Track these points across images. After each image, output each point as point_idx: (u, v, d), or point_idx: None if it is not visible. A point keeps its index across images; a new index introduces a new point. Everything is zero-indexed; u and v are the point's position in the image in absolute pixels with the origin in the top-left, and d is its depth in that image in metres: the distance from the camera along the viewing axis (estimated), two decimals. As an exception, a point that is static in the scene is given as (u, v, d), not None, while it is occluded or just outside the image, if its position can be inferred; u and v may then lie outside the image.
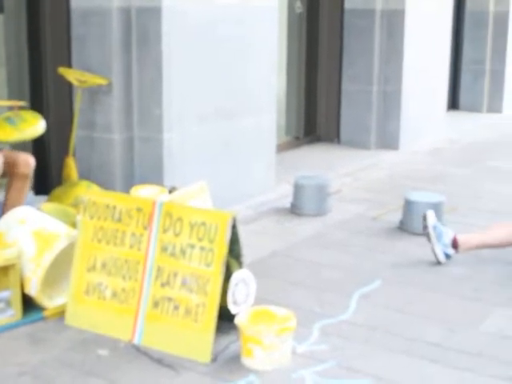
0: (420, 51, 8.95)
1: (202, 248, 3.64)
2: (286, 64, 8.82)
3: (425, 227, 4.99)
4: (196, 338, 3.60)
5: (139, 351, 3.66)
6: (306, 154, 8.48)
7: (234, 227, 3.71)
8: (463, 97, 12.40)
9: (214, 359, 3.57)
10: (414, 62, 8.83)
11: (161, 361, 3.56)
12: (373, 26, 8.53)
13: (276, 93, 6.64)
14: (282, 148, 8.07)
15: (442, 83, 9.92)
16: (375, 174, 7.66)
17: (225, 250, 3.60)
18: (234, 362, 3.56)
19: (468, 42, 12.25)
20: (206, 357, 3.55)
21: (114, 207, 3.92)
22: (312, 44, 8.92)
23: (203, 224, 3.67)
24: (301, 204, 6.12)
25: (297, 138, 9.00)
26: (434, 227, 4.95)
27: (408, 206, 5.73)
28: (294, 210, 6.15)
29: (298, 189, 6.16)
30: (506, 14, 11.93)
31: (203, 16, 5.57)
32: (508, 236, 4.97)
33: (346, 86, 8.85)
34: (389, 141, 8.78)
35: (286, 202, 6.26)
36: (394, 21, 8.55)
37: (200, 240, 3.65)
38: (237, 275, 3.77)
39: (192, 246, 3.68)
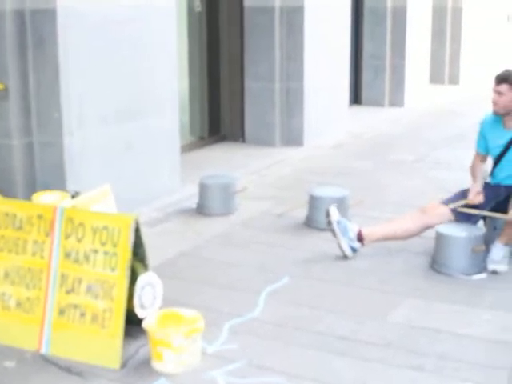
0: (321, 47, 9.04)
1: (106, 252, 3.60)
2: (188, 63, 8.78)
3: (329, 223, 5.02)
4: (104, 345, 3.56)
5: (47, 361, 3.60)
6: (211, 153, 8.47)
7: (137, 230, 3.66)
8: (365, 92, 12.56)
9: (124, 365, 3.54)
10: (315, 58, 8.92)
11: (70, 369, 3.51)
12: (273, 24, 8.57)
13: (179, 93, 6.61)
14: (186, 148, 8.05)
15: (344, 79, 10.03)
16: (280, 170, 7.69)
17: (129, 253, 3.56)
18: (144, 367, 3.53)
19: (368, 37, 12.40)
20: (115, 363, 3.51)
21: (15, 215, 3.84)
22: (213, 43, 8.91)
23: (105, 228, 3.62)
24: (207, 204, 6.10)
25: (201, 138, 8.98)
26: (338, 222, 4.98)
27: (313, 201, 5.77)
28: (201, 210, 6.12)
29: (203, 189, 6.13)
30: (404, 8, 12.12)
31: (100, 16, 5.50)
32: (411, 227, 5.06)
33: (248, 84, 8.87)
34: (293, 137, 8.84)
35: (192, 203, 6.23)
36: (294, 18, 8.61)
37: (103, 244, 3.60)
38: (143, 278, 3.73)
39: (95, 251, 3.62)
